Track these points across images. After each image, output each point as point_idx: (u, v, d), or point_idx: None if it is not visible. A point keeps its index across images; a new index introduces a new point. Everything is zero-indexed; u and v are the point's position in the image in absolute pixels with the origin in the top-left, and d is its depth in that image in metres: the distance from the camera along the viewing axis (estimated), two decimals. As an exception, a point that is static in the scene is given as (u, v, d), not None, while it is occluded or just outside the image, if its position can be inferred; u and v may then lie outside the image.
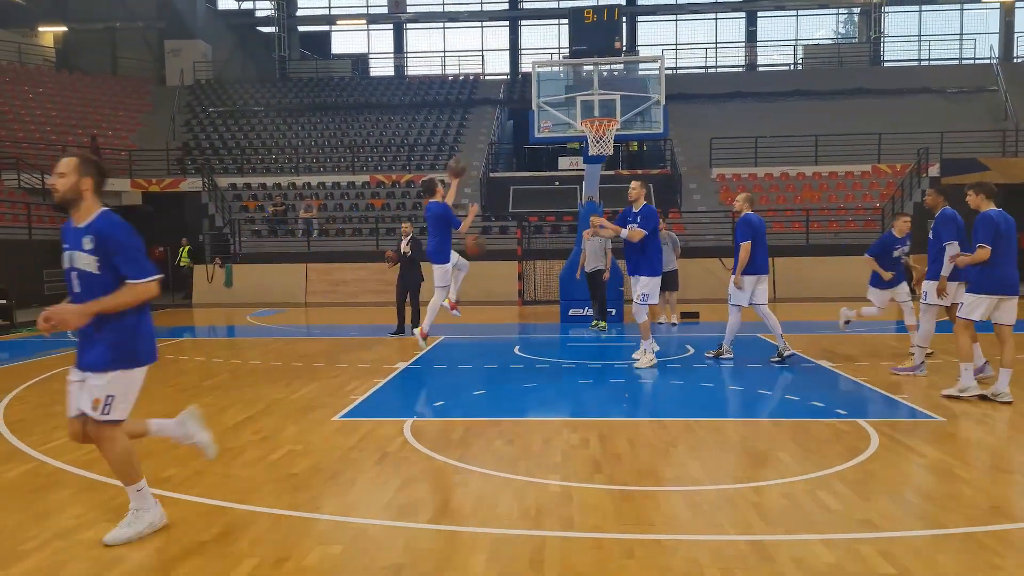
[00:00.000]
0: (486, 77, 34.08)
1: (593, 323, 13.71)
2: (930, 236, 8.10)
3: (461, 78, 33.00)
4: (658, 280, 9.27)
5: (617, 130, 11.54)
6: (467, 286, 19.68)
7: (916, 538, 4.05)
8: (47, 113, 28.01)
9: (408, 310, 13.05)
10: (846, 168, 24.78)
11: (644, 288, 9.07)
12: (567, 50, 35.40)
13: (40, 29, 35.02)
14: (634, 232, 8.85)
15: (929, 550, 3.91)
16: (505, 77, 34.71)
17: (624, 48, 13.52)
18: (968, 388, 7.34)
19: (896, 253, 9.56)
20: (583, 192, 14.55)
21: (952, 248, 7.76)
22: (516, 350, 11.20)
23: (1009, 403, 7.10)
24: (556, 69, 15.83)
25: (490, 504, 4.68)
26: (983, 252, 7.06)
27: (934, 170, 23.58)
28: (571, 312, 14.77)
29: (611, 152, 11.43)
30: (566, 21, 36.06)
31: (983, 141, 24.80)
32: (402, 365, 9.97)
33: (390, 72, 36.61)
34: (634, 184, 9.19)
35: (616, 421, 6.75)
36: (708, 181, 24.54)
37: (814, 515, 4.39)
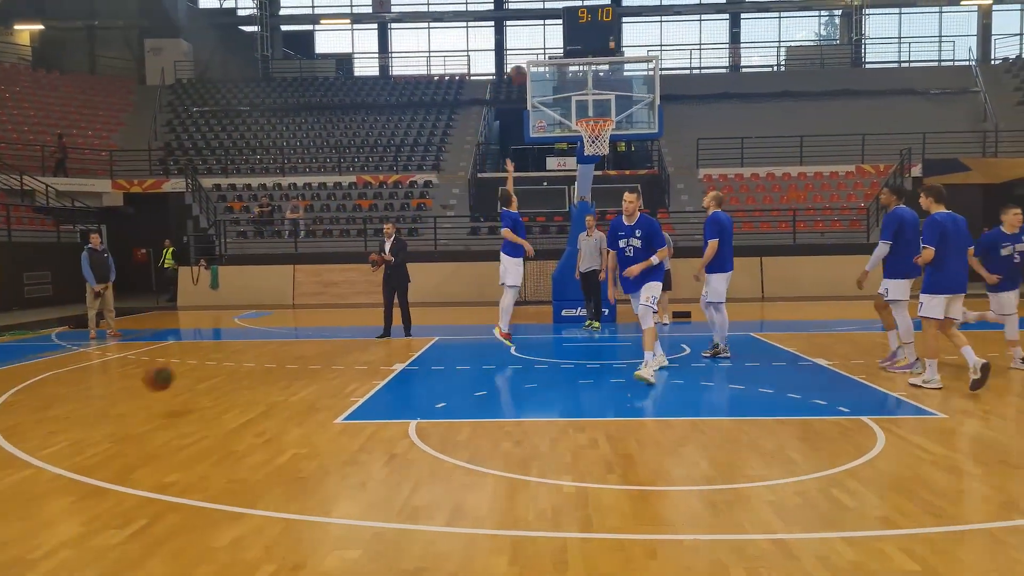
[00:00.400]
0: (472, 77, 34.01)
1: (586, 323, 13.70)
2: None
3: (447, 78, 32.91)
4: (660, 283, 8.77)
5: (612, 130, 11.53)
6: (457, 287, 19.73)
7: (935, 534, 4.06)
8: (24, 113, 27.64)
9: (397, 312, 12.92)
10: (831, 168, 24.97)
11: (654, 290, 8.35)
12: (553, 50, 35.59)
13: (16, 27, 34.55)
14: (661, 253, 8.25)
15: (949, 546, 3.92)
16: (491, 77, 34.66)
17: (616, 48, 13.50)
18: (931, 381, 7.72)
19: (1005, 252, 8.75)
20: (575, 192, 14.54)
21: (881, 248, 8.39)
22: (513, 350, 11.14)
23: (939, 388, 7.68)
24: (543, 69, 15.78)
25: (505, 506, 4.64)
26: (927, 253, 7.55)
27: (916, 170, 23.81)
28: (564, 312, 14.75)
29: (607, 152, 11.41)
30: (552, 22, 36.44)
31: (964, 142, 25.09)
32: (399, 366, 9.89)
33: (375, 72, 36.44)
34: (631, 197, 8.39)
35: (621, 421, 6.73)
36: (695, 181, 24.62)
37: (831, 513, 4.39)
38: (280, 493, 4.98)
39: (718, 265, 9.55)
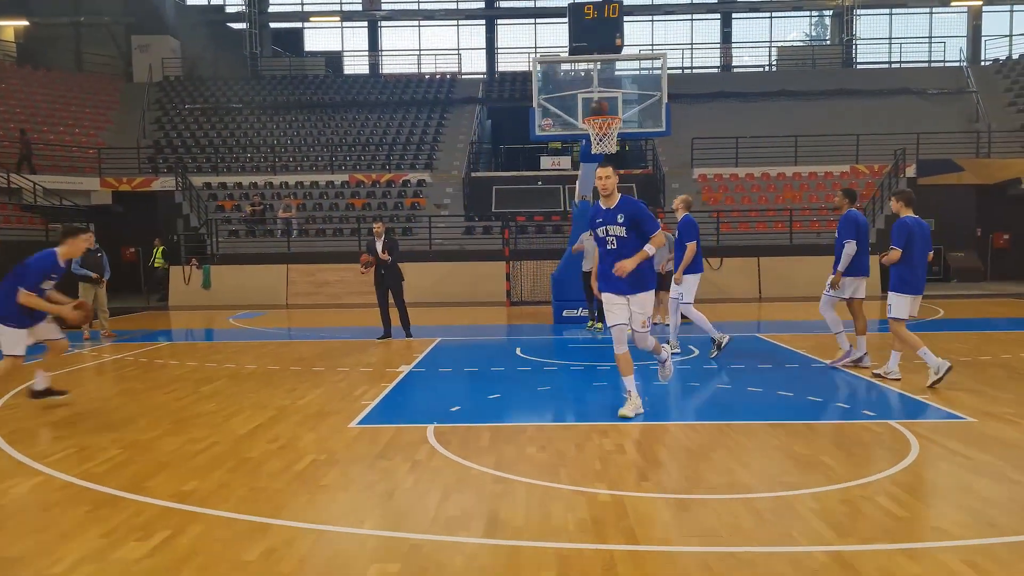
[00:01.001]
0: (463, 76, 33.81)
1: (589, 324, 13.55)
2: (836, 235, 8.98)
3: (438, 77, 32.69)
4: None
5: (619, 128, 11.36)
6: (453, 287, 19.53)
7: (996, 546, 3.92)
8: (11, 110, 27.13)
9: (394, 312, 12.67)
10: (825, 168, 24.95)
11: (647, 307, 6.76)
12: (544, 49, 35.41)
13: (0, 23, 34.02)
14: (656, 239, 6.55)
15: (1012, 558, 3.78)
16: (483, 76, 34.45)
17: (622, 45, 13.36)
18: (940, 367, 7.72)
19: None
20: (576, 192, 14.37)
21: (849, 247, 8.68)
22: (518, 352, 10.98)
23: (898, 380, 8.10)
24: (538, 68, 15.58)
25: (542, 515, 4.47)
26: (894, 253, 7.88)
27: (911, 170, 23.85)
28: (565, 313, 14.58)
29: (614, 150, 11.25)
30: (544, 21, 36.30)
31: (957, 143, 25.15)
32: (405, 368, 9.69)
33: (365, 70, 36.12)
34: (606, 172, 6.67)
35: (645, 425, 6.56)
36: (690, 181, 24.55)
37: (883, 523, 4.25)
38: (305, 502, 4.79)
39: (694, 266, 9.93)
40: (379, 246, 12.39)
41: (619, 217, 6.61)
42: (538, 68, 12.53)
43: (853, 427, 6.36)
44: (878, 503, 4.54)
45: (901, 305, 7.98)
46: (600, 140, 11.16)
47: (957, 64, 32.32)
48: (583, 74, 13.57)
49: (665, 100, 12.08)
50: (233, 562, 3.89)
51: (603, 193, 6.74)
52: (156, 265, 21.74)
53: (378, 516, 4.55)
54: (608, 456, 5.64)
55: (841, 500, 4.61)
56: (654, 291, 6.91)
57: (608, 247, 6.73)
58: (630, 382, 6.87)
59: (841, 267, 8.83)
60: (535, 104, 12.16)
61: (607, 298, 6.82)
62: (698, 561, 3.79)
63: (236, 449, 6.04)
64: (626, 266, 6.46)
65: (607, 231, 6.70)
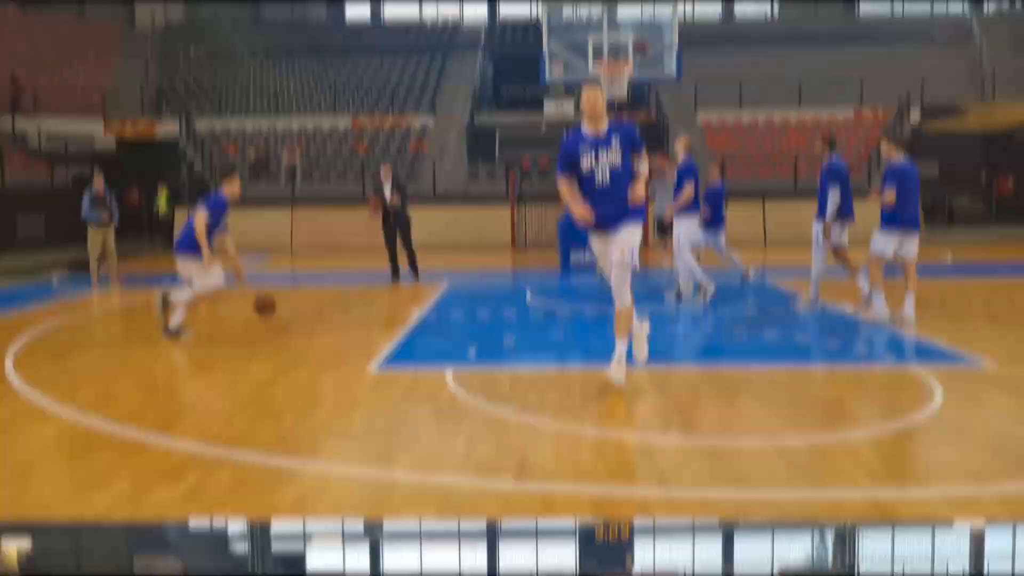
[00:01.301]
0: (465, 22, 33.24)
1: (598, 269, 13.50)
2: (818, 183, 9.00)
3: (440, 23, 32.18)
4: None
5: (631, 75, 11.15)
6: (457, 230, 19.45)
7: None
8: (14, 54, 26.61)
9: (402, 255, 12.58)
10: (829, 111, 24.65)
11: (634, 238, 5.73)
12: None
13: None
14: (645, 157, 5.77)
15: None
16: (484, 22, 33.83)
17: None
18: (882, 316, 8.16)
19: None
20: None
21: (835, 195, 8.71)
22: (529, 296, 10.95)
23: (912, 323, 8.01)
24: (546, 11, 15.24)
25: (571, 460, 4.45)
26: (889, 195, 8.06)
27: (915, 115, 23.59)
28: (573, 257, 14.49)
29: (624, 95, 11.05)
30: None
31: (961, 89, 24.85)
32: (418, 312, 9.66)
33: (366, 16, 35.45)
34: (594, 92, 5.64)
35: (665, 369, 6.52)
36: (694, 128, 24.26)
37: (917, 468, 4.27)
38: (332, 446, 4.80)
39: (692, 209, 9.96)
40: (387, 189, 12.24)
41: (613, 140, 5.62)
42: (546, 12, 12.23)
43: (872, 372, 6.36)
44: (909, 448, 4.55)
45: (884, 243, 8.20)
46: (611, 84, 10.95)
47: (961, 12, 31.79)
48: (586, 20, 13.27)
49: (676, 44, 11.82)
50: (267, 505, 3.88)
51: (593, 114, 5.63)
52: (160, 210, 21.58)
53: (406, 461, 4.53)
54: (631, 400, 5.63)
55: (872, 446, 4.60)
56: (641, 223, 5.85)
57: (596, 181, 5.64)
58: (621, 344, 5.87)
59: (829, 214, 8.83)
60: (545, 49, 11.91)
61: (600, 242, 5.88)
62: (735, 507, 3.79)
63: (257, 394, 6.02)
64: (641, 191, 5.62)
65: (597, 160, 5.62)
